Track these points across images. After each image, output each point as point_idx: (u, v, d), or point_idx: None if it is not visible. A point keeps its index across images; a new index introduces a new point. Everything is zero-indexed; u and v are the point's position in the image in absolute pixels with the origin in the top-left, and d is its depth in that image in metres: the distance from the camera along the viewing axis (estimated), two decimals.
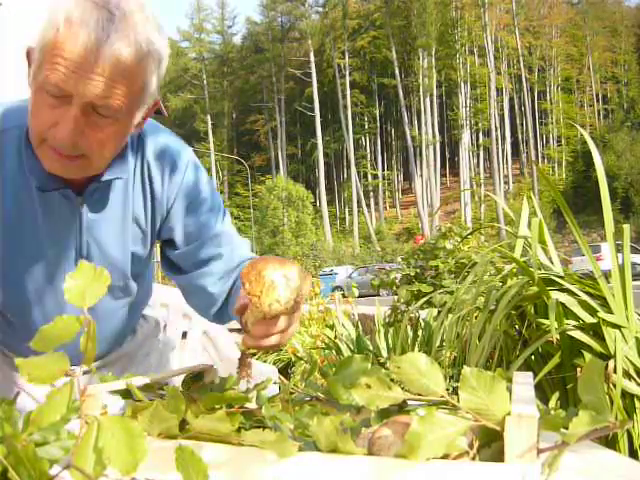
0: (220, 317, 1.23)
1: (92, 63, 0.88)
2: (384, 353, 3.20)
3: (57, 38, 0.88)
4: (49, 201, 1.07)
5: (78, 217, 1.09)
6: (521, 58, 54.17)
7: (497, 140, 51.11)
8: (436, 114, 51.94)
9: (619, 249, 1.66)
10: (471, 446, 0.56)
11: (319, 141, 51.33)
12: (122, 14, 0.89)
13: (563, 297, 1.62)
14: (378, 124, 57.89)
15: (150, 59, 0.94)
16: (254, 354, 0.94)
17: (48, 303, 1.14)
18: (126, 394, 0.76)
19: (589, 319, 1.58)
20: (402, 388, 0.63)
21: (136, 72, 0.92)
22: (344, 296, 6.17)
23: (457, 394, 0.59)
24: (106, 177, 1.07)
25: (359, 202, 51.72)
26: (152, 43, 0.93)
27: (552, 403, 1.52)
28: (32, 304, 1.14)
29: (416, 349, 2.93)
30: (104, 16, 0.88)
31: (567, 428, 0.53)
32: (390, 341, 3.25)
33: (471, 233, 5.32)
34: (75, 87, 0.89)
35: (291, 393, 0.85)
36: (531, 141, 52.99)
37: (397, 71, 50.49)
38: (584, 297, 1.62)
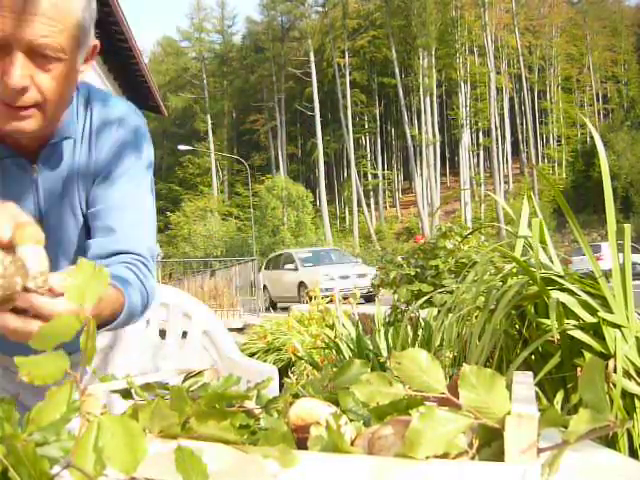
0: None
1: (23, 4, 0.89)
2: (384, 353, 3.20)
3: None
4: (5, 171, 1.07)
5: (34, 185, 1.10)
6: (521, 57, 54.18)
7: (497, 140, 51.11)
8: (436, 114, 51.92)
9: (620, 249, 1.66)
10: (471, 445, 0.56)
11: (319, 141, 51.30)
12: None
13: (563, 297, 1.62)
14: (378, 124, 57.87)
15: None
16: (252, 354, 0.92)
17: None
18: (126, 394, 0.76)
19: (589, 319, 1.58)
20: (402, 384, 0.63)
21: (68, 9, 0.93)
22: (345, 297, 6.17)
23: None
24: (55, 140, 1.08)
25: (359, 202, 51.71)
26: None
27: (552, 403, 1.53)
28: None
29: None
30: None
31: (567, 427, 0.53)
32: (390, 341, 3.25)
33: (471, 233, 5.33)
34: (12, 31, 0.90)
35: (296, 395, 0.84)
36: (531, 141, 52.99)
37: (397, 70, 50.46)
38: (584, 297, 1.62)
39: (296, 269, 17.74)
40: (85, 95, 1.14)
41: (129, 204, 1.12)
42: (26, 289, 0.72)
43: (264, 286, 19.09)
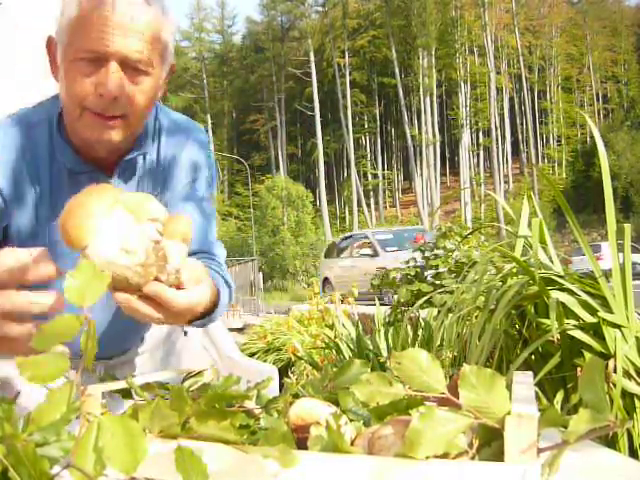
0: None
1: (126, 21, 0.98)
2: (384, 353, 3.20)
3: (82, 8, 0.98)
4: (81, 186, 1.11)
5: None
6: (521, 57, 54.18)
7: (497, 140, 51.08)
8: (436, 114, 51.90)
9: (620, 248, 1.66)
10: (471, 445, 0.56)
11: (319, 141, 51.28)
12: None
13: (563, 297, 1.62)
14: (378, 123, 57.86)
15: (167, 19, 1.05)
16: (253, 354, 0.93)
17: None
18: (127, 394, 0.76)
19: (589, 319, 1.58)
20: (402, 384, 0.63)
21: (158, 28, 1.03)
22: (343, 297, 6.17)
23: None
24: (132, 155, 1.14)
25: (359, 201, 51.68)
26: (166, 7, 1.05)
27: (552, 403, 1.53)
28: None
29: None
30: None
31: (567, 427, 0.53)
32: (390, 341, 3.25)
33: (471, 233, 5.33)
34: (111, 45, 0.98)
35: (296, 395, 0.84)
36: (531, 141, 52.97)
37: (397, 70, 50.44)
38: (584, 297, 1.61)
39: (375, 255, 13.91)
40: (153, 111, 1.19)
41: (197, 212, 1.20)
42: (157, 278, 0.76)
43: (325, 279, 15.65)
